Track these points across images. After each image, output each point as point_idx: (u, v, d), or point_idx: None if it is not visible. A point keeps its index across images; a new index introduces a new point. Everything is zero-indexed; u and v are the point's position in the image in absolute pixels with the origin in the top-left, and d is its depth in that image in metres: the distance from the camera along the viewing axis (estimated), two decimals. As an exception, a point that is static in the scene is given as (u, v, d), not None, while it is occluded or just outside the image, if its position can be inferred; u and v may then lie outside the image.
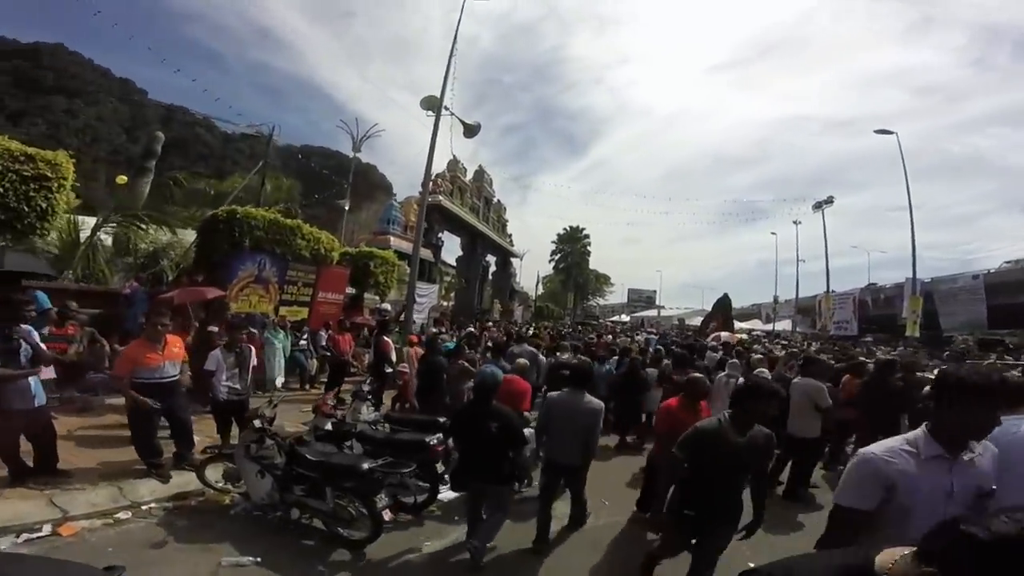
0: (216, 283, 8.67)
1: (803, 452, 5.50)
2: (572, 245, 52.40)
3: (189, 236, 11.57)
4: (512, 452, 3.74)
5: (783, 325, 34.80)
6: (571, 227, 52.18)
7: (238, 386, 5.41)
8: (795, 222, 33.73)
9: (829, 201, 31.15)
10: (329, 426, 4.80)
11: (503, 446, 3.67)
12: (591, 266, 55.19)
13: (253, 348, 5.96)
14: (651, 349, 10.73)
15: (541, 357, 8.42)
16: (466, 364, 6.56)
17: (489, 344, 10.54)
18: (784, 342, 24.48)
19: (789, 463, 5.59)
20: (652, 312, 53.52)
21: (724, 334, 16.30)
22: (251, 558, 3.54)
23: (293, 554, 3.70)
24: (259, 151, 21.93)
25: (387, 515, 4.20)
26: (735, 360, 7.47)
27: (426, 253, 26.35)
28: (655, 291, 59.91)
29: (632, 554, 3.74)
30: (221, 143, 66.72)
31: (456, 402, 6.12)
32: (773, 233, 36.73)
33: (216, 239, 9.49)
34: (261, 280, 9.78)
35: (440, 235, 29.23)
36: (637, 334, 22.72)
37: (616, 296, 63.22)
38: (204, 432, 5.58)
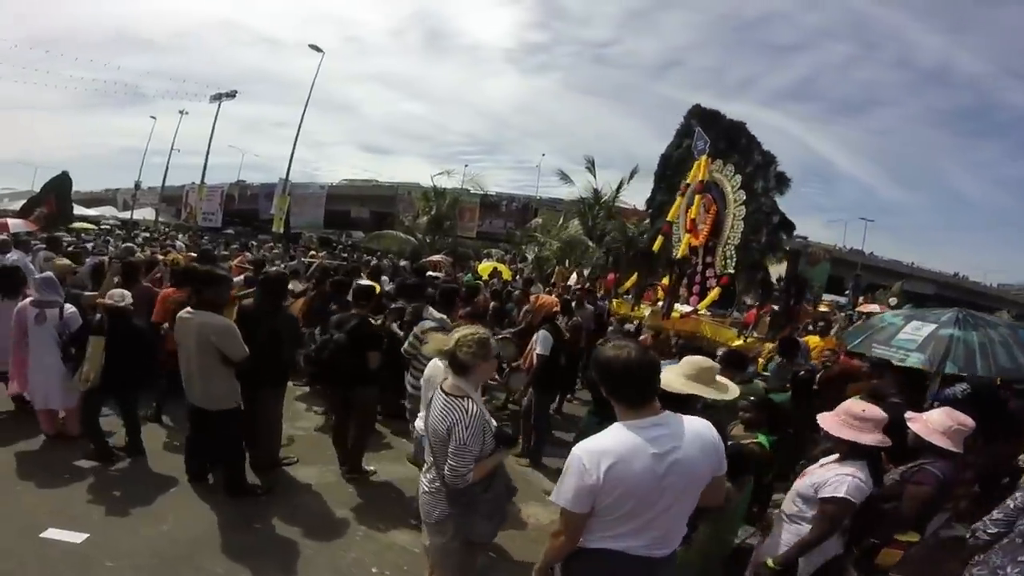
0: None
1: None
2: None
3: None
4: None
5: (144, 213, 30.56)
6: None
7: None
8: (181, 111, 33.19)
9: (232, 95, 30.67)
10: None
11: None
12: None
13: None
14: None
15: None
16: None
17: None
18: (147, 233, 21.52)
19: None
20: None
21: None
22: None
23: None
24: None
25: None
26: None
27: None
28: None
29: None
30: None
31: None
32: (153, 117, 35.51)
33: None
34: None
35: None
36: None
37: None
38: None
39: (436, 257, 13.66)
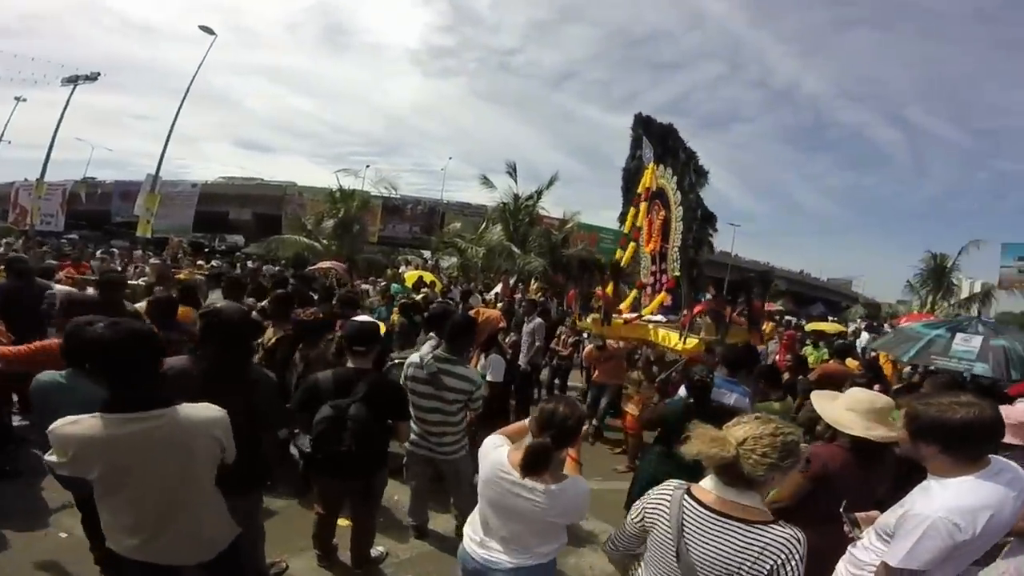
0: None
1: None
2: None
3: None
4: None
5: (-48, 214, 24.50)
6: None
7: None
8: (17, 98, 28.52)
9: (93, 77, 25.58)
10: None
11: None
12: None
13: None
14: None
15: None
16: None
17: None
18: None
19: None
20: None
21: None
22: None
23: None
24: None
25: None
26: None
27: None
28: None
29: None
30: None
31: None
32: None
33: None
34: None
35: None
36: None
37: None
38: None
39: (326, 264, 11.80)
